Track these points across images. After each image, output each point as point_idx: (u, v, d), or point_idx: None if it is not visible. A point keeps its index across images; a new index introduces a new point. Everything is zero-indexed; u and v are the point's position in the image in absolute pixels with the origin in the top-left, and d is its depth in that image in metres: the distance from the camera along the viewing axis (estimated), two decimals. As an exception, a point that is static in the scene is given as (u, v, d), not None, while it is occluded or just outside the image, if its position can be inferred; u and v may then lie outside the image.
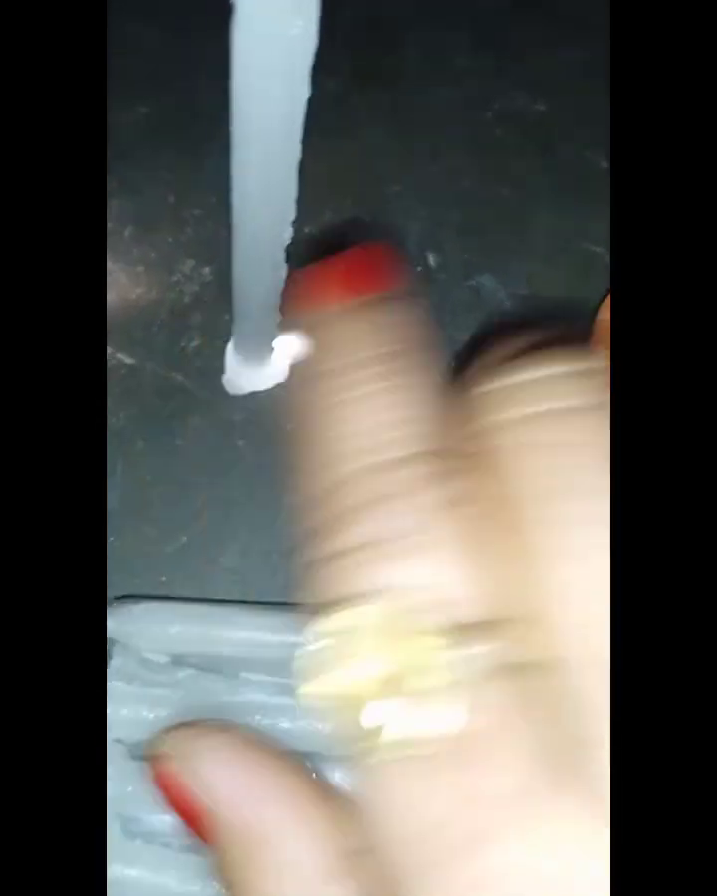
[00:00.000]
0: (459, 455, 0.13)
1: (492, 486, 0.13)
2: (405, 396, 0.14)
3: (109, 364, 0.27)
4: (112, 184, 0.30)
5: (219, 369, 0.27)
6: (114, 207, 0.30)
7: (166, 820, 0.19)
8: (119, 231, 0.29)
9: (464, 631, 0.12)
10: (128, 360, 0.27)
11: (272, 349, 0.26)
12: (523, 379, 0.13)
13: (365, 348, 0.14)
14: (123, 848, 0.19)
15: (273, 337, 0.25)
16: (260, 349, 0.26)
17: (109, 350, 0.28)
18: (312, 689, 0.12)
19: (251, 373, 0.26)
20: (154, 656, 0.21)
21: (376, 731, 0.11)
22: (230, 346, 0.27)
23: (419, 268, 0.29)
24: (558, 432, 0.13)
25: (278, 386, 0.27)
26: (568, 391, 0.13)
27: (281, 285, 0.21)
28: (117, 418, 0.26)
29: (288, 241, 0.19)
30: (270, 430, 0.26)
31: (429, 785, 0.11)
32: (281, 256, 0.19)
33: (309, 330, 0.16)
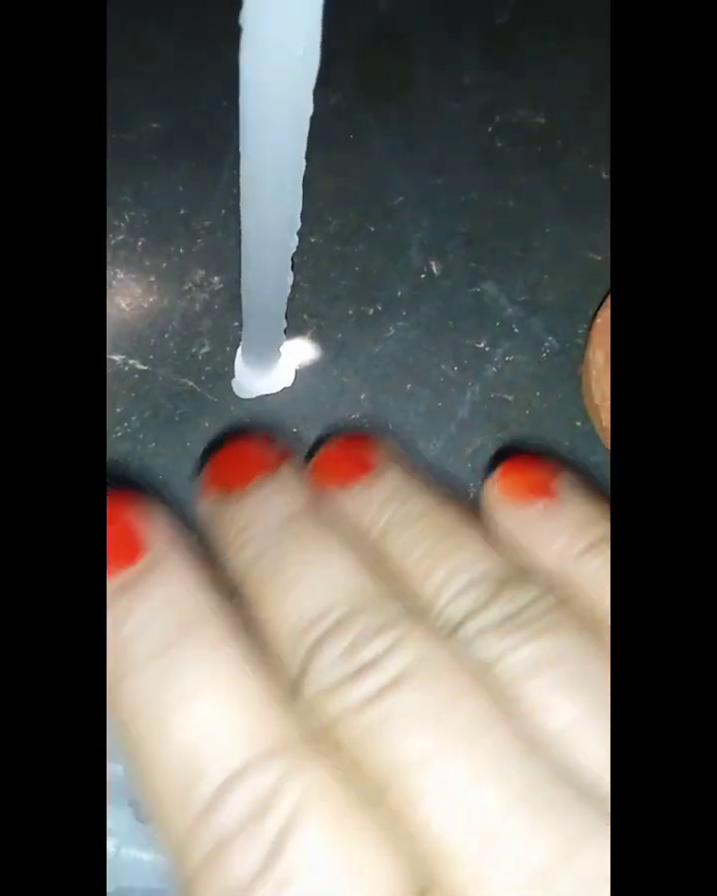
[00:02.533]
0: (304, 745, 0.13)
1: (347, 770, 0.13)
2: (238, 695, 0.13)
3: (122, 370, 0.28)
4: (126, 197, 0.31)
5: (228, 374, 0.28)
6: (128, 219, 0.31)
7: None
8: (133, 242, 0.30)
9: None
10: (141, 366, 0.28)
11: (279, 355, 0.27)
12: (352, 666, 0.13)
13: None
14: (135, 832, 0.20)
15: (280, 343, 0.26)
16: (267, 355, 0.27)
17: (121, 357, 0.28)
18: None
19: (259, 378, 0.27)
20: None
21: None
22: (239, 352, 0.27)
23: (423, 275, 0.30)
24: (392, 703, 0.13)
25: (285, 390, 0.28)
26: (395, 661, 0.13)
27: (287, 291, 0.22)
28: (130, 421, 0.27)
29: (294, 248, 0.20)
30: (276, 432, 0.27)
31: None
32: (287, 263, 0.20)
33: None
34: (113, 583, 0.14)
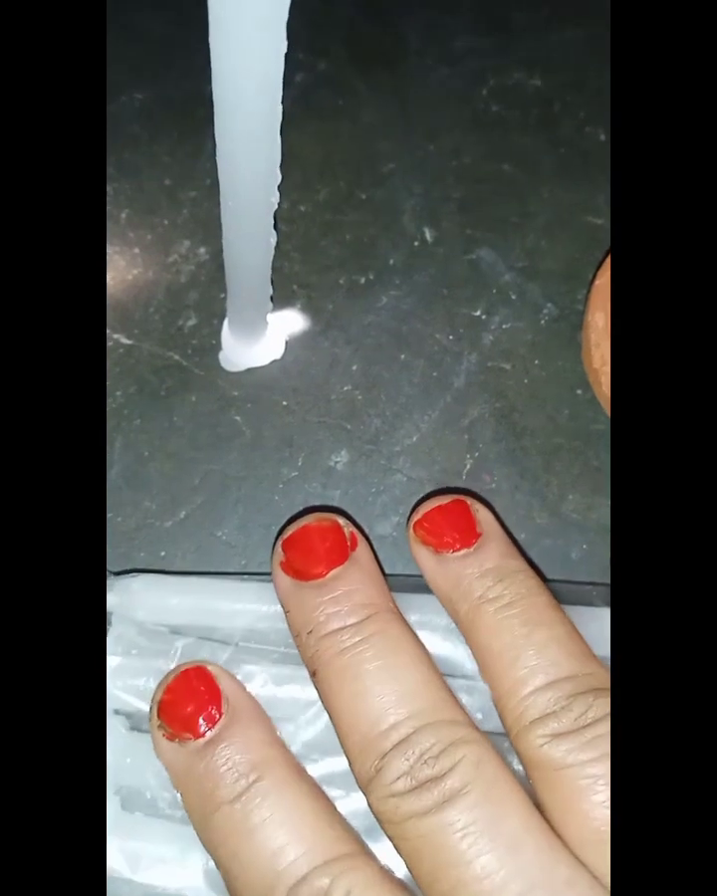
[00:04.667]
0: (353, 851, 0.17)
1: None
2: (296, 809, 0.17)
3: (106, 344, 0.27)
4: (109, 168, 0.30)
5: (215, 347, 0.27)
6: (111, 190, 0.30)
7: (166, 793, 0.19)
8: (117, 214, 0.29)
9: None
10: (126, 340, 0.27)
11: (266, 324, 0.26)
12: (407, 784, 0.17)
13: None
14: (122, 821, 0.19)
15: (266, 311, 0.25)
16: (254, 326, 0.26)
17: (106, 331, 0.28)
18: None
19: (246, 350, 0.26)
20: (153, 626, 0.21)
21: None
22: (225, 324, 0.27)
23: (416, 243, 0.29)
24: (444, 817, 0.16)
25: (274, 362, 0.27)
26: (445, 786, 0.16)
27: (271, 253, 0.21)
28: (115, 397, 0.27)
29: (275, 206, 0.19)
30: (266, 406, 0.26)
31: None
32: (269, 222, 0.19)
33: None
34: (198, 742, 0.18)
